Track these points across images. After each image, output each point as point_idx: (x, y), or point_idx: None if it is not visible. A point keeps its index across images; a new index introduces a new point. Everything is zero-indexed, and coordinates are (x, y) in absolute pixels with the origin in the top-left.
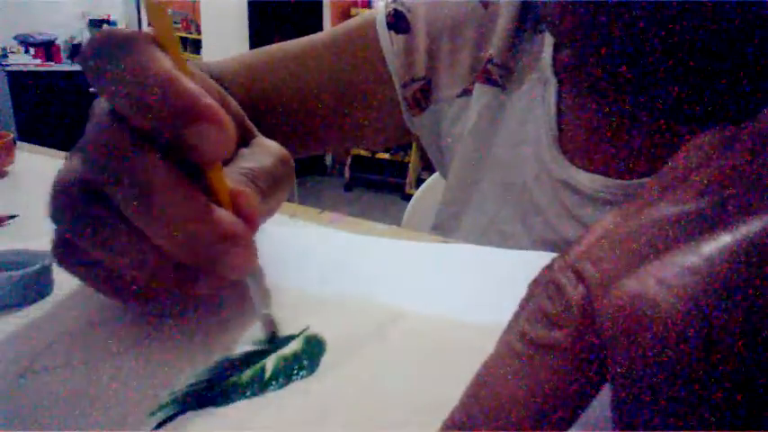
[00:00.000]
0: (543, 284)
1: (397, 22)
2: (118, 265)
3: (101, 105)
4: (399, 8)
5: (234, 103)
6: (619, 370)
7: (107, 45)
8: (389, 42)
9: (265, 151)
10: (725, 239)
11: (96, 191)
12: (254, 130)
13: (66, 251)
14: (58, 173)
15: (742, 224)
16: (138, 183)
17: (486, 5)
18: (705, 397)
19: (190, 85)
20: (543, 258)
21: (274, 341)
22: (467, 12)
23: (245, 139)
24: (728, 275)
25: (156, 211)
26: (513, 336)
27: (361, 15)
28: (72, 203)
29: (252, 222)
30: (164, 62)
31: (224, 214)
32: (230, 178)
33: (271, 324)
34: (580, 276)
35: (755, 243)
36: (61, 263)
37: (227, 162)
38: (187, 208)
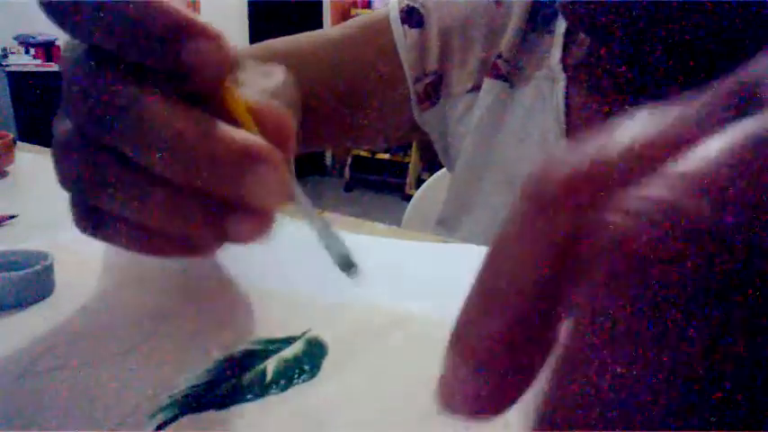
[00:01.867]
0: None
1: (410, 17)
2: (143, 216)
3: (73, 50)
4: (412, 4)
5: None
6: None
7: None
8: (403, 36)
9: (265, 73)
10: (713, 145)
11: (98, 142)
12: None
13: (87, 218)
14: (55, 136)
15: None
16: (135, 116)
17: (498, 4)
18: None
19: (177, 4)
20: None
21: (351, 267)
22: (479, 9)
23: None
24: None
25: (158, 141)
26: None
27: (370, 14)
28: (76, 162)
29: (285, 140)
30: None
31: (234, 132)
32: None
33: (340, 251)
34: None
35: (753, 143)
36: (86, 231)
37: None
38: (190, 130)
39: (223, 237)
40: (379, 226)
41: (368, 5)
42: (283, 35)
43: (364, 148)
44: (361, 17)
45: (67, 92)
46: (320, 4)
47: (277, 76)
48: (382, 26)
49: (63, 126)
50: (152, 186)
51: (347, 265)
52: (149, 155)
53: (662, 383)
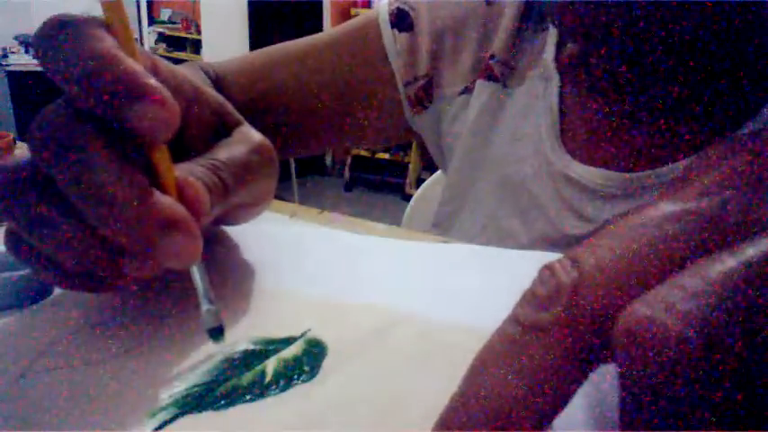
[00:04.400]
0: (539, 271)
1: (400, 20)
2: (52, 248)
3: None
4: (402, 6)
5: (212, 93)
6: (626, 382)
7: (54, 29)
8: (393, 41)
9: (241, 141)
10: (729, 263)
11: (41, 176)
12: (240, 119)
13: (11, 239)
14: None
15: (746, 246)
16: (77, 164)
17: (489, 4)
18: (705, 397)
19: (131, 63)
20: (545, 259)
21: (219, 338)
22: (470, 10)
23: (226, 129)
24: (732, 300)
25: (92, 192)
26: (507, 321)
27: (363, 15)
28: (9, 187)
29: (197, 212)
30: (106, 42)
31: (164, 200)
32: (189, 169)
33: (214, 318)
34: (575, 262)
35: (759, 266)
36: (9, 251)
37: (200, 153)
38: (124, 190)
39: (118, 277)
40: (379, 226)
41: (368, 5)
42: (283, 35)
43: (363, 148)
44: (352, 20)
45: (34, 120)
46: (320, 5)
47: (250, 140)
48: (372, 30)
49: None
50: (71, 226)
51: (216, 332)
52: (82, 203)
53: None
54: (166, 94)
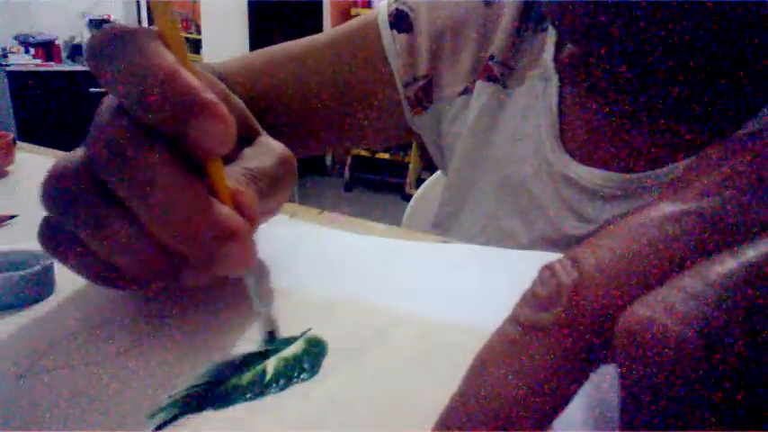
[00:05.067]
0: (540, 271)
1: (400, 21)
2: (110, 252)
3: (108, 100)
4: (401, 7)
5: (237, 101)
6: (626, 382)
7: (110, 41)
8: (392, 41)
9: (268, 151)
10: (729, 264)
11: (96, 180)
12: (259, 128)
13: (53, 235)
14: (57, 160)
15: (746, 247)
16: (141, 177)
17: (488, 4)
18: (705, 397)
19: (191, 79)
20: (545, 259)
21: (273, 340)
22: (469, 11)
23: (248, 138)
24: (732, 301)
25: (157, 204)
26: (507, 321)
27: (362, 15)
28: (69, 189)
29: (251, 221)
30: (166, 56)
31: (224, 210)
32: (232, 177)
33: (269, 322)
34: (575, 262)
35: (759, 267)
36: (46, 246)
37: (229, 161)
38: (188, 202)
39: (177, 284)
40: (379, 226)
41: (368, 5)
42: (283, 35)
43: (363, 148)
44: (352, 21)
45: (91, 133)
46: (320, 4)
47: (275, 151)
48: (372, 30)
49: (71, 155)
50: (136, 234)
51: (272, 334)
52: (146, 215)
53: None
54: (224, 108)
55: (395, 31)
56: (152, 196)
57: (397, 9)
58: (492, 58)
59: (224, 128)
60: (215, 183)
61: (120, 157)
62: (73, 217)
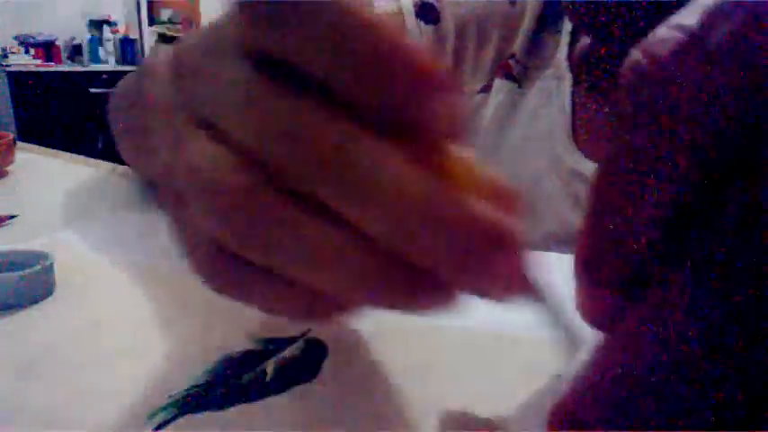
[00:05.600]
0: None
1: (426, 11)
2: (316, 269)
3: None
4: None
5: None
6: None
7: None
8: (418, 32)
9: None
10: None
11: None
12: None
13: (222, 265)
14: (210, 164)
15: None
16: (369, 174)
17: (513, 3)
18: (705, 397)
19: (418, 49)
20: (550, 260)
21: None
22: (495, 8)
23: None
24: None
25: (379, 197)
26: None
27: (380, 8)
28: (244, 199)
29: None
30: (384, 27)
31: (480, 206)
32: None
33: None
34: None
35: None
36: (214, 280)
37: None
38: (438, 196)
39: (415, 308)
40: None
41: None
42: None
43: None
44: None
45: (258, 121)
46: None
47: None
48: (395, 20)
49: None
50: (355, 243)
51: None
52: (366, 213)
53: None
54: (456, 82)
55: (421, 22)
56: (375, 188)
57: (422, 0)
58: (512, 56)
59: (459, 102)
60: (459, 175)
61: (334, 152)
62: (251, 237)
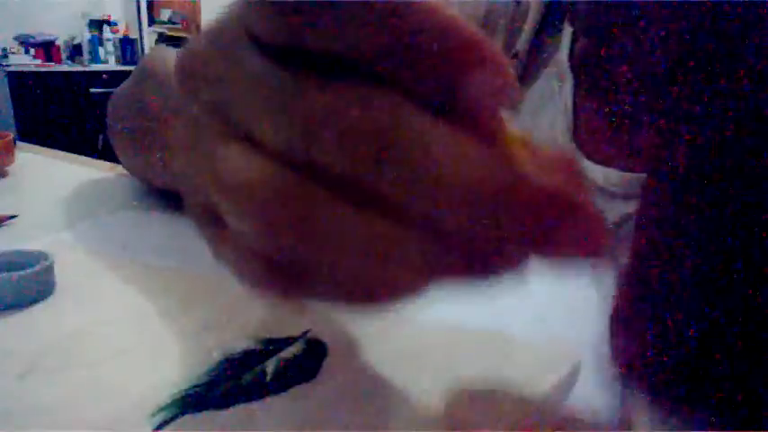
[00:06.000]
0: None
1: None
2: (379, 262)
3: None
4: None
5: None
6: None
7: None
8: None
9: None
10: None
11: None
12: None
13: (284, 275)
14: (240, 159)
15: None
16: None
17: (518, 3)
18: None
19: (462, 21)
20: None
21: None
22: (500, 7)
23: None
24: None
25: (439, 175)
26: None
27: None
28: (296, 202)
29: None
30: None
31: (539, 175)
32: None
33: None
34: None
35: None
36: (277, 288)
37: None
38: (489, 168)
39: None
40: None
41: None
42: None
43: None
44: None
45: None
46: None
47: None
48: None
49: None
50: (400, 226)
51: None
52: (434, 199)
53: None
54: (502, 56)
55: None
56: (433, 169)
57: None
58: (515, 56)
59: (506, 74)
60: (513, 153)
61: (397, 140)
62: (302, 237)
